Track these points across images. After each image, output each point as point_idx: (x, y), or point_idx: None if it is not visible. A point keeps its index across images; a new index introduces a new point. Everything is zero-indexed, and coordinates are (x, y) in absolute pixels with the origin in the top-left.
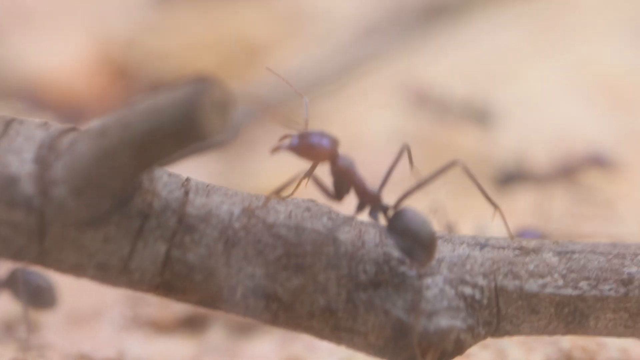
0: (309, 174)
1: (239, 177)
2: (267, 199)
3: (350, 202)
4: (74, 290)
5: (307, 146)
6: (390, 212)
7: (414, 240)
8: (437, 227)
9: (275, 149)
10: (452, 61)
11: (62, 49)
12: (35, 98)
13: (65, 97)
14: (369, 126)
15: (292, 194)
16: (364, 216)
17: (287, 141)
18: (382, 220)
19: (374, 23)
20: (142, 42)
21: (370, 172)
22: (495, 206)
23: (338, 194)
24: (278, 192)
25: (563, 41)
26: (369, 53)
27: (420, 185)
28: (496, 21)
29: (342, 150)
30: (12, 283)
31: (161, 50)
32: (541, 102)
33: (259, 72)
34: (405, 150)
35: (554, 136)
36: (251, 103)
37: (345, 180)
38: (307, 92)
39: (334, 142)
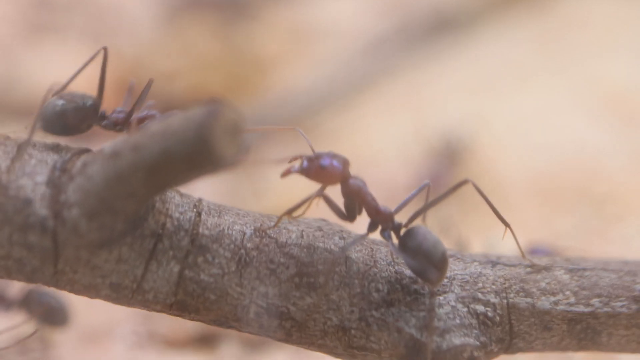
0: (319, 194)
1: (248, 196)
2: (280, 219)
3: (362, 221)
4: (86, 307)
5: (318, 169)
6: (402, 231)
7: (425, 259)
8: (448, 244)
9: (286, 173)
10: (459, 76)
11: (71, 68)
12: None
13: None
14: (379, 142)
15: (303, 213)
16: (376, 235)
17: (297, 164)
18: (394, 239)
19: (381, 38)
20: (150, 61)
21: (382, 188)
22: (506, 224)
23: (350, 215)
24: (290, 212)
25: (571, 57)
26: (377, 68)
27: (431, 204)
28: (503, 36)
29: (353, 169)
30: (26, 303)
31: (170, 69)
32: (548, 118)
33: (267, 89)
34: (425, 188)
35: (561, 151)
36: (259, 127)
37: (356, 201)
38: (316, 108)
39: (345, 164)
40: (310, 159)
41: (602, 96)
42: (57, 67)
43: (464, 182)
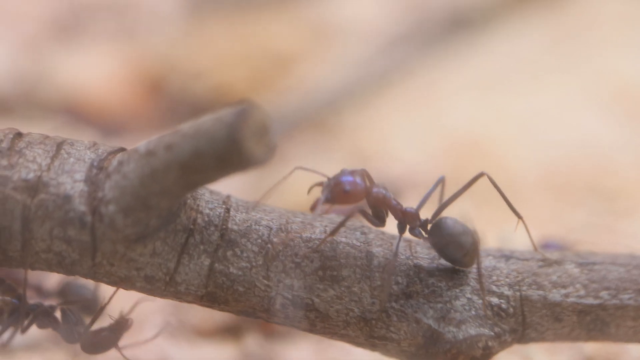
0: (354, 211)
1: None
2: (323, 241)
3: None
4: (118, 298)
5: (342, 194)
6: (429, 227)
7: (457, 246)
8: None
9: (314, 206)
10: (473, 73)
11: (97, 64)
12: (75, 112)
13: (102, 111)
14: (397, 139)
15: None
16: (406, 235)
17: (322, 196)
18: (424, 235)
19: (399, 37)
20: (174, 57)
21: (401, 184)
22: (519, 216)
23: (380, 221)
24: (333, 234)
25: (582, 54)
26: (395, 66)
27: (453, 198)
28: (516, 35)
29: (372, 167)
30: (63, 295)
31: (193, 64)
32: (560, 115)
33: (288, 87)
34: (441, 182)
35: (572, 147)
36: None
37: (382, 208)
38: (336, 106)
39: (363, 177)
40: (331, 188)
41: (613, 93)
42: (83, 65)
43: (480, 175)
